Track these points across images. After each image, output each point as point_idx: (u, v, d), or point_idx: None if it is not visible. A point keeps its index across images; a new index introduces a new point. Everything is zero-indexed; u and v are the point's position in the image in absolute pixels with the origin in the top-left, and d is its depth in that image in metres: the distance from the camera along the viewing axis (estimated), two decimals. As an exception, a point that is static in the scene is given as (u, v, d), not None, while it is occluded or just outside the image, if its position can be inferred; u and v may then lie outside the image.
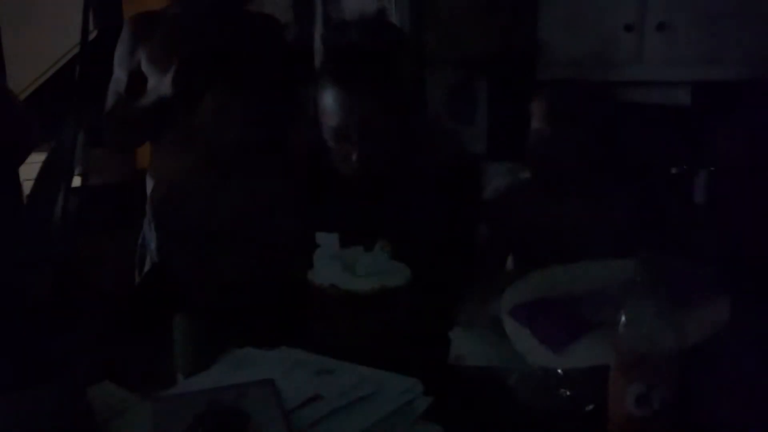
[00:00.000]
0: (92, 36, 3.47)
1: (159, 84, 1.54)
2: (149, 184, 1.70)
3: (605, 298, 0.92)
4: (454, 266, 1.36)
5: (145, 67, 1.62)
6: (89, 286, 1.38)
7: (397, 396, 0.87)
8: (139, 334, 1.09)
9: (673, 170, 2.21)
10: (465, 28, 2.40)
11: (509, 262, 1.73)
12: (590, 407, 0.85)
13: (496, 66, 2.47)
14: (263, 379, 0.87)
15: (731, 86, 2.03)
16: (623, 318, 0.77)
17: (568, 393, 0.86)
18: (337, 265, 1.17)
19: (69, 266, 1.21)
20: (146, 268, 1.68)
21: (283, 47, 1.84)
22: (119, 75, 1.66)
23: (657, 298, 0.76)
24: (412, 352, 1.07)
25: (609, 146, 2.26)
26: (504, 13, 2.50)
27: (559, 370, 0.87)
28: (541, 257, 1.50)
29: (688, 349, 0.79)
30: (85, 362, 1.01)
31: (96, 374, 0.95)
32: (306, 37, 2.87)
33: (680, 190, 2.19)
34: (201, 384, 0.90)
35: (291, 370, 0.92)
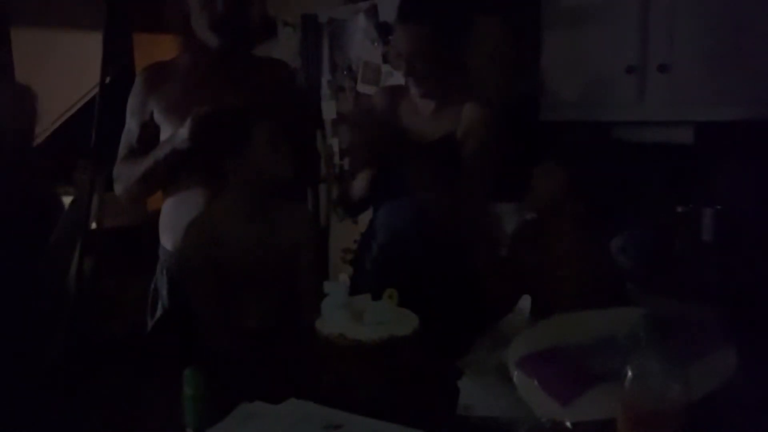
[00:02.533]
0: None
1: (172, 136, 1.56)
2: (163, 232, 1.71)
3: (612, 347, 0.93)
4: (462, 314, 1.36)
5: (157, 117, 1.64)
6: (102, 337, 1.40)
7: (405, 450, 0.87)
8: (149, 387, 1.10)
9: (680, 209, 2.22)
10: (469, 72, 2.44)
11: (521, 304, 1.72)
12: (599, 460, 0.84)
13: (500, 108, 2.50)
14: (272, 434, 0.87)
15: (734, 126, 2.04)
16: (629, 373, 0.77)
17: (576, 446, 0.86)
18: (345, 315, 1.17)
19: (84, 318, 1.23)
20: (158, 313, 1.69)
21: (294, 90, 1.87)
22: (131, 126, 1.68)
23: (662, 352, 0.76)
24: (420, 401, 1.07)
25: (615, 185, 2.29)
26: (508, 56, 2.54)
27: (568, 423, 0.87)
28: (549, 298, 1.50)
29: (694, 402, 0.79)
30: (96, 416, 1.02)
31: (106, 428, 0.95)
32: (313, 83, 2.94)
33: (687, 228, 2.20)
34: (211, 439, 0.91)
35: (299, 424, 0.92)
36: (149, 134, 1.65)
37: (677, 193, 2.28)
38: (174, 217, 1.66)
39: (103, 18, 1.58)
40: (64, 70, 3.48)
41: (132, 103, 1.69)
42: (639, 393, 0.76)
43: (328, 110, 2.90)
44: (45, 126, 3.69)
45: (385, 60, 2.58)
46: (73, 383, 1.10)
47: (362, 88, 2.70)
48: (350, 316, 1.17)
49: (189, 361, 1.01)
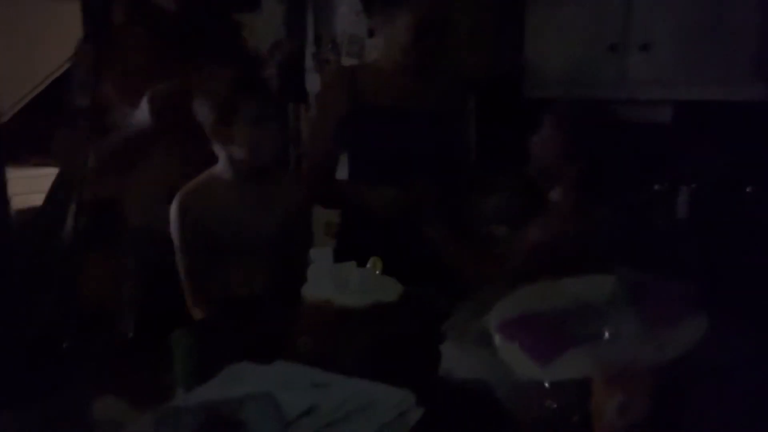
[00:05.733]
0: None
1: (132, 116, 1.51)
2: (129, 207, 1.67)
3: (590, 312, 0.96)
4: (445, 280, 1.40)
5: (108, 91, 1.57)
6: (91, 301, 1.40)
7: (390, 408, 0.90)
8: (139, 349, 1.12)
9: (657, 187, 2.27)
10: (454, 49, 2.45)
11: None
12: (576, 418, 0.88)
13: (484, 85, 2.52)
14: (262, 392, 0.90)
15: (711, 105, 2.09)
16: (605, 333, 0.81)
17: (554, 405, 0.90)
18: (331, 281, 1.20)
19: (73, 282, 1.23)
20: (127, 286, 1.68)
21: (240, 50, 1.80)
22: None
23: (637, 314, 0.80)
24: (404, 365, 1.11)
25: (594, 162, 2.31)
26: (492, 33, 2.55)
27: (546, 383, 0.90)
28: (529, 268, 1.54)
29: (667, 363, 0.84)
30: (88, 377, 1.03)
31: (98, 389, 0.97)
32: (297, 54, 2.92)
33: (664, 205, 2.25)
34: (200, 397, 0.93)
35: (287, 384, 0.95)
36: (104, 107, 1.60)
37: (654, 171, 2.33)
38: (141, 193, 1.64)
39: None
40: (42, 37, 3.41)
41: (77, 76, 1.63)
42: (613, 353, 0.80)
43: (313, 83, 2.89)
44: (20, 96, 3.63)
45: (371, 34, 2.58)
46: (61, 350, 1.12)
47: (347, 61, 2.70)
48: (336, 283, 1.19)
49: (179, 325, 1.03)
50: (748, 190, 2.14)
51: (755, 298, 1.65)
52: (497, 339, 0.99)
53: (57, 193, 1.53)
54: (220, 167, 1.49)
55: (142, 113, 1.46)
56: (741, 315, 1.17)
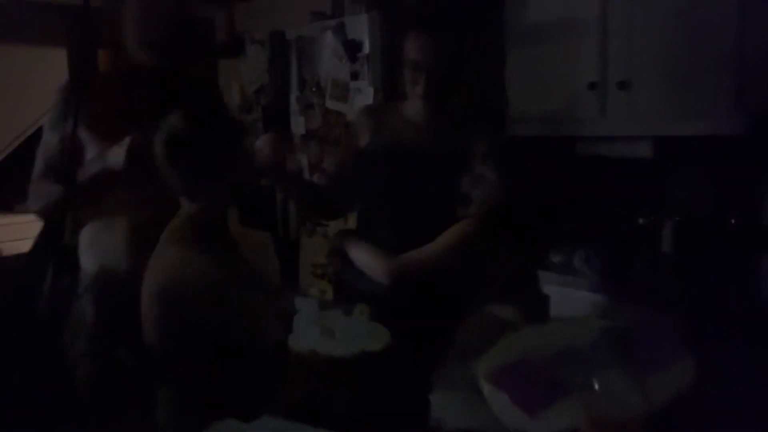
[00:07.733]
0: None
1: (104, 155, 1.49)
2: (85, 255, 1.60)
3: (577, 358, 0.95)
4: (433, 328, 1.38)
5: (81, 133, 1.54)
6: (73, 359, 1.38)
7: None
8: (122, 410, 1.09)
9: (641, 221, 2.28)
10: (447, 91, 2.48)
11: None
12: (567, 470, 0.87)
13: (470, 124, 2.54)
14: (246, 452, 0.88)
15: (692, 139, 2.12)
16: (595, 383, 0.80)
17: (545, 456, 0.89)
18: (317, 330, 1.18)
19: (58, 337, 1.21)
20: (82, 331, 1.63)
21: (221, 109, 1.80)
22: (51, 140, 1.59)
23: (624, 365, 0.79)
24: (393, 415, 1.09)
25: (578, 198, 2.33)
26: (474, 71, 2.59)
27: (536, 435, 0.89)
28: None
29: (655, 410, 0.83)
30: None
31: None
32: (281, 98, 2.95)
33: (648, 239, 2.26)
34: (184, 459, 0.91)
35: (273, 442, 0.93)
36: (72, 148, 1.52)
37: (639, 206, 2.35)
38: (97, 241, 1.59)
39: (68, 34, 1.56)
40: (28, 84, 3.42)
41: (53, 116, 1.60)
42: (603, 404, 0.79)
43: (297, 126, 2.91)
44: (4, 144, 3.62)
45: (354, 77, 2.61)
46: (47, 404, 1.09)
47: (331, 104, 2.72)
48: (322, 332, 1.18)
49: (161, 384, 1.01)
50: (732, 222, 2.16)
51: (740, 331, 1.65)
52: (486, 389, 0.98)
53: (38, 247, 1.51)
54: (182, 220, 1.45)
55: (116, 157, 1.45)
56: (727, 348, 1.17)
